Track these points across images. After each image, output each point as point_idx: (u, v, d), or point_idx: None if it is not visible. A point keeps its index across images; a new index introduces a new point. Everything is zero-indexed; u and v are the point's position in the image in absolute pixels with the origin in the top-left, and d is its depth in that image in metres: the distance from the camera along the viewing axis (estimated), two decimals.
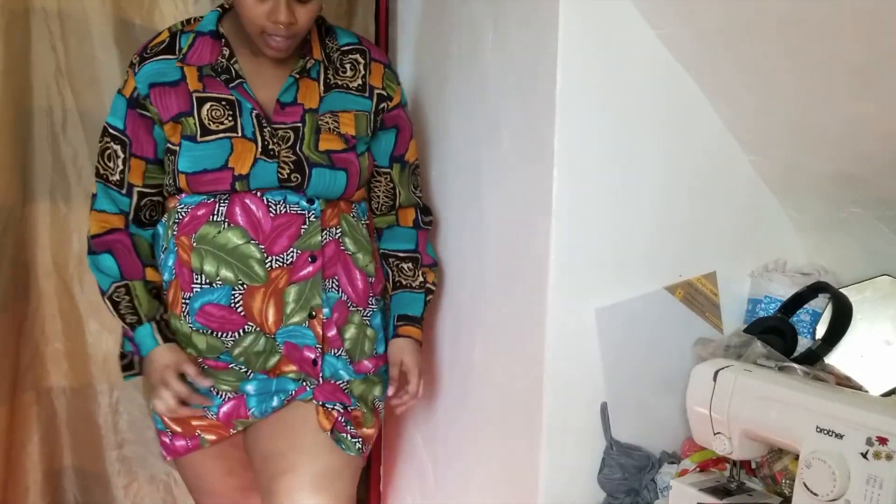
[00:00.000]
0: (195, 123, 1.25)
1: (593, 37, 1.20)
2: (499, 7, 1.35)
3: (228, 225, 1.24)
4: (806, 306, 1.29)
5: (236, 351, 1.28)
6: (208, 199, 1.25)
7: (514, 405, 1.34)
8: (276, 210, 1.25)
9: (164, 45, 1.29)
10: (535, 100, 1.25)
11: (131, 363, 1.39)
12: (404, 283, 1.45)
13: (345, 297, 1.32)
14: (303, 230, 1.26)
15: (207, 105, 1.26)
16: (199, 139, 1.24)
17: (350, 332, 1.33)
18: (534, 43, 1.25)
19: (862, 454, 0.88)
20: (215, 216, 1.25)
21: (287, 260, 1.26)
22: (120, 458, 1.72)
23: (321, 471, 1.24)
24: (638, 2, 1.21)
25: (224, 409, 1.30)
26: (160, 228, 1.33)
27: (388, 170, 1.42)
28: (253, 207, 1.25)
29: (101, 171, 1.31)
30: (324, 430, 1.26)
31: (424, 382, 1.41)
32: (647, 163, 1.27)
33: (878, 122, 1.07)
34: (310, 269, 1.27)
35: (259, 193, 1.25)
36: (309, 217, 1.27)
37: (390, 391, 1.38)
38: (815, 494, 0.92)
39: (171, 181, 1.28)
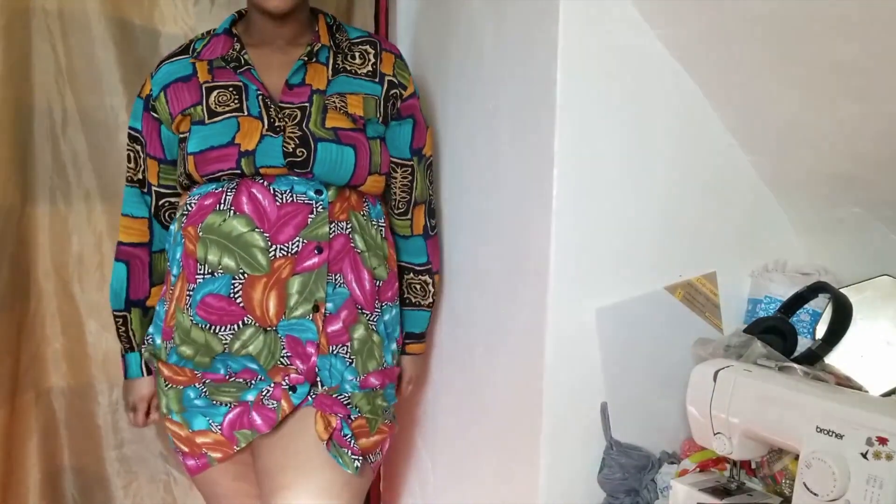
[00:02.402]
0: (202, 110, 1.28)
1: (593, 37, 1.20)
2: (499, 7, 1.35)
3: (234, 213, 1.23)
4: (806, 306, 1.29)
5: (236, 345, 1.25)
6: (216, 189, 1.25)
7: (514, 405, 1.34)
8: (282, 199, 1.24)
9: (180, 49, 1.37)
10: (535, 100, 1.25)
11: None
12: (413, 300, 1.47)
13: (353, 297, 1.30)
14: (310, 219, 1.24)
15: (215, 92, 1.29)
16: (206, 121, 1.27)
17: (359, 333, 1.30)
18: (534, 42, 1.25)
19: (862, 454, 0.88)
20: (222, 205, 1.24)
21: (292, 249, 1.23)
22: (119, 458, 1.72)
23: (319, 490, 1.22)
24: (638, 2, 1.21)
25: (228, 419, 1.28)
26: (172, 226, 1.35)
27: (411, 162, 1.41)
28: (259, 196, 1.24)
29: (128, 174, 1.39)
30: (321, 441, 1.23)
31: (425, 382, 1.42)
32: (648, 163, 1.27)
33: (879, 123, 1.07)
34: (315, 259, 1.24)
35: (266, 183, 1.24)
36: (317, 207, 1.25)
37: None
38: (815, 494, 0.92)
39: (182, 170, 1.29)
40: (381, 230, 1.37)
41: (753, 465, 1.19)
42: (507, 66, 1.34)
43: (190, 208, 1.28)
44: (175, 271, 1.30)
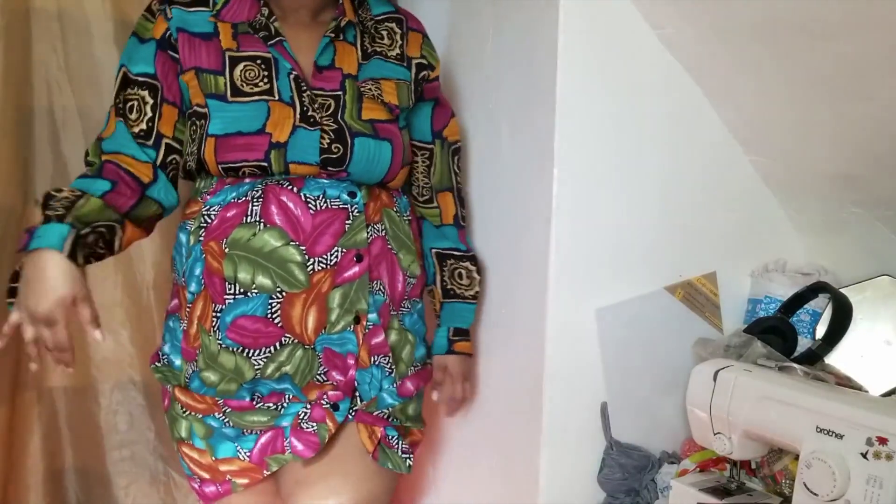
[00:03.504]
0: (225, 83, 1.12)
1: (593, 37, 1.20)
2: (499, 7, 1.35)
3: (265, 226, 1.10)
4: (806, 306, 1.29)
5: (269, 369, 1.13)
6: (238, 199, 1.12)
7: (515, 405, 1.34)
8: (315, 206, 1.12)
9: None
10: (535, 100, 1.25)
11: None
12: (458, 291, 1.34)
13: (388, 300, 1.20)
14: (347, 226, 1.13)
15: (241, 65, 1.13)
16: (230, 99, 1.11)
17: (392, 339, 1.21)
18: (534, 43, 1.24)
19: (862, 454, 0.88)
20: (249, 217, 1.11)
21: (331, 261, 1.12)
22: (121, 459, 1.72)
23: (366, 498, 1.16)
24: (638, 2, 1.21)
25: (259, 444, 1.16)
26: (182, 235, 1.18)
27: (431, 145, 1.31)
28: (290, 205, 1.11)
29: (126, 121, 1.15)
30: (368, 452, 1.17)
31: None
32: (648, 163, 1.27)
33: (878, 123, 1.07)
34: (356, 269, 1.14)
35: (295, 189, 1.11)
36: (352, 212, 1.14)
37: (434, 396, 1.36)
38: (815, 494, 0.92)
39: (193, 150, 1.14)
40: (409, 221, 1.27)
41: (753, 465, 1.19)
42: (508, 65, 1.34)
43: (209, 220, 1.13)
44: (193, 288, 1.14)
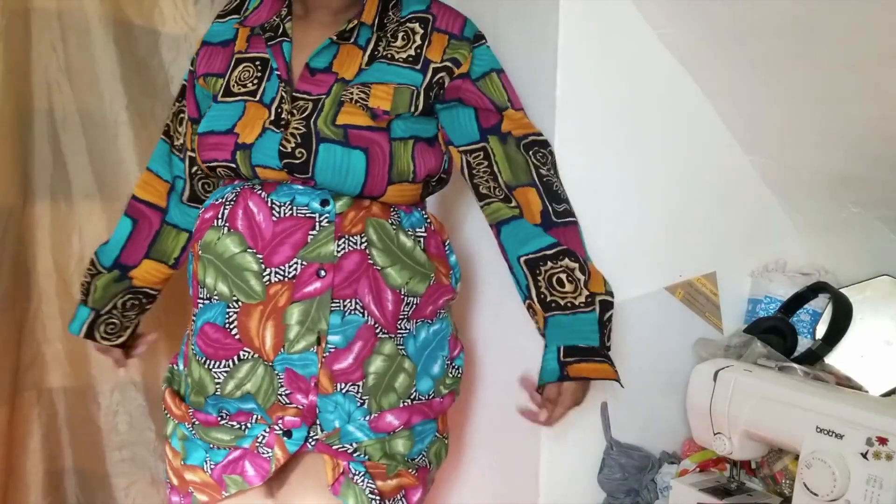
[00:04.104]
0: (222, 84, 1.12)
1: (593, 37, 1.20)
2: (499, 7, 1.35)
3: (228, 230, 1.06)
4: (806, 306, 1.29)
5: (229, 386, 1.06)
6: (217, 201, 1.10)
7: (514, 405, 1.34)
8: (280, 213, 1.05)
9: (234, 4, 1.20)
10: (535, 100, 1.25)
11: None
12: (562, 302, 1.07)
13: (372, 322, 1.06)
14: (310, 237, 1.04)
15: (241, 66, 1.13)
16: (219, 99, 1.12)
17: (376, 365, 1.07)
18: (534, 43, 1.24)
19: (862, 454, 0.88)
20: (219, 220, 1.08)
21: (289, 273, 1.03)
22: (121, 459, 1.72)
23: None
24: (638, 2, 1.21)
25: (224, 462, 1.08)
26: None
27: (482, 143, 1.13)
28: (255, 210, 1.06)
29: (170, 132, 1.27)
30: (327, 485, 1.05)
31: None
32: (648, 163, 1.27)
33: (879, 123, 1.07)
34: (317, 284, 1.03)
35: (265, 193, 1.06)
36: (321, 221, 1.05)
37: (533, 406, 1.13)
38: (815, 494, 0.92)
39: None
40: (421, 240, 1.12)
41: (753, 465, 1.19)
42: (508, 66, 1.34)
43: (198, 221, 1.14)
44: (190, 291, 1.15)
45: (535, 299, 1.09)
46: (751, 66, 1.15)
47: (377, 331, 1.07)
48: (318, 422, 1.06)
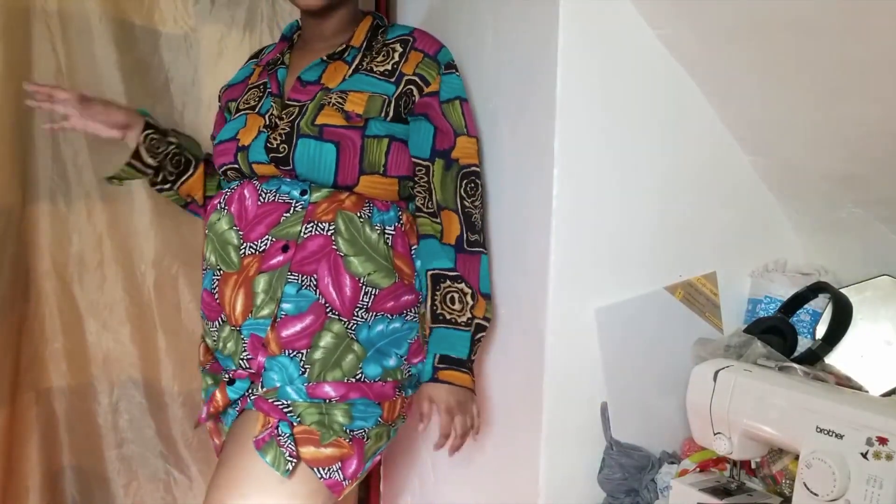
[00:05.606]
0: (235, 106, 1.37)
1: (593, 37, 1.20)
2: (499, 7, 1.35)
3: (225, 212, 1.27)
4: (806, 306, 1.29)
5: (220, 344, 1.26)
6: (223, 191, 1.32)
7: (514, 405, 1.34)
8: (265, 199, 1.24)
9: (256, 52, 1.52)
10: (535, 100, 1.25)
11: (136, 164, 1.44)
12: (448, 316, 1.24)
13: (323, 301, 1.20)
14: (283, 218, 1.22)
15: (249, 92, 1.37)
16: (230, 118, 1.36)
17: (326, 341, 1.20)
18: (534, 43, 1.25)
19: (862, 454, 0.88)
20: (220, 204, 1.29)
21: (260, 247, 1.21)
22: (120, 458, 1.72)
23: (233, 484, 1.16)
24: (638, 2, 1.21)
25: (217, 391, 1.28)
26: None
27: (427, 163, 1.29)
28: (246, 195, 1.26)
29: None
30: (252, 436, 1.17)
31: None
32: (647, 163, 1.27)
33: (879, 123, 1.07)
34: (280, 258, 1.20)
35: (258, 184, 1.26)
36: (295, 207, 1.22)
37: (420, 427, 1.24)
38: (815, 494, 0.92)
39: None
40: (389, 238, 1.26)
41: (753, 465, 1.19)
42: (508, 66, 1.34)
43: (208, 207, 1.38)
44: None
45: (429, 310, 1.26)
46: (751, 66, 1.15)
47: (328, 310, 1.21)
48: (262, 381, 1.21)
